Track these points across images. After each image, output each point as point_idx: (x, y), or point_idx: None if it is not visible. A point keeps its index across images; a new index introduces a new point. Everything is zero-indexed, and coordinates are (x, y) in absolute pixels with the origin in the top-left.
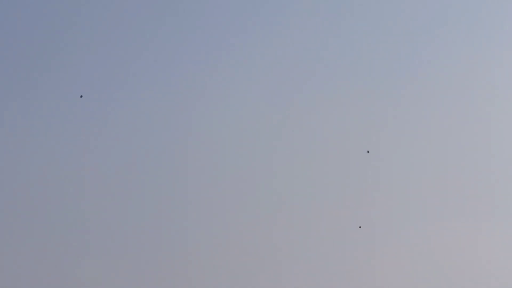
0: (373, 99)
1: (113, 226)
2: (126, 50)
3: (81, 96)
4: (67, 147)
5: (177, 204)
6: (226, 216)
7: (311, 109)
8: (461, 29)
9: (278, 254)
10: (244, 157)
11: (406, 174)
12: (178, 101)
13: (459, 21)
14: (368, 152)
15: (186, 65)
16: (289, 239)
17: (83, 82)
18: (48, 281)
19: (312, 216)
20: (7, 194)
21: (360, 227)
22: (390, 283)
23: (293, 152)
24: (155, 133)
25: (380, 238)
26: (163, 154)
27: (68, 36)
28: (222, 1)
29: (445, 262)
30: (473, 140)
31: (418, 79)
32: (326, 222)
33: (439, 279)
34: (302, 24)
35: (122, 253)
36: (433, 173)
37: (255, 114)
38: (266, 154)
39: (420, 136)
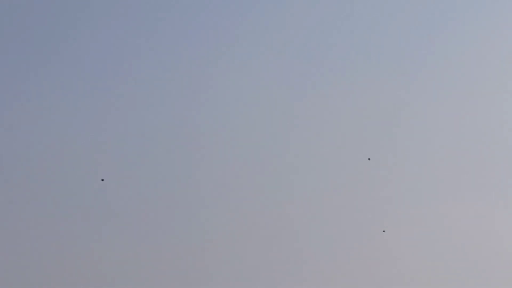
0: (385, 84)
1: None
2: (123, 41)
3: (102, 180)
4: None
5: (180, 199)
6: (232, 205)
7: (324, 95)
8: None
9: (286, 247)
10: (254, 148)
11: (420, 157)
12: (184, 84)
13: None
14: (369, 159)
15: (190, 52)
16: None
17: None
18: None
19: (321, 207)
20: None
21: (384, 231)
22: (404, 266)
23: (302, 142)
24: (161, 112)
25: (394, 221)
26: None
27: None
28: None
29: (460, 246)
30: (486, 121)
31: (430, 64)
32: (337, 213)
33: (453, 263)
34: (310, 11)
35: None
36: (448, 155)
37: (266, 100)
38: (275, 144)
39: (434, 118)
